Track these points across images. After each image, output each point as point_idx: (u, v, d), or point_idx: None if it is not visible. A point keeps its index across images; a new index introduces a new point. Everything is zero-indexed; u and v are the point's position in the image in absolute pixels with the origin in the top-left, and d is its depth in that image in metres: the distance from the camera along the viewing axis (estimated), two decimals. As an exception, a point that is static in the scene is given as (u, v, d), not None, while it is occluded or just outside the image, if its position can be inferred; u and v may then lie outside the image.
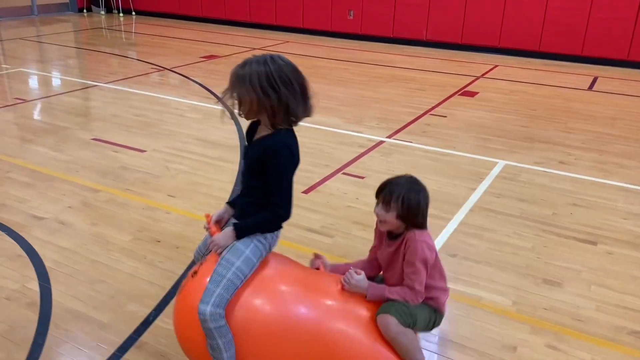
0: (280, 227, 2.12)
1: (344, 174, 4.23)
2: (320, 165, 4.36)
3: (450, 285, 2.30)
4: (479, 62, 8.65)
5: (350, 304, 2.08)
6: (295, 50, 9.10)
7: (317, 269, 2.31)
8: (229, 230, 2.05)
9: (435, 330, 2.37)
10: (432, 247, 2.13)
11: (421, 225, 2.13)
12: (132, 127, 5.17)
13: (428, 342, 2.47)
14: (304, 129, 5.01)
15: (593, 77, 7.76)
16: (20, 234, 3.26)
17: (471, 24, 9.18)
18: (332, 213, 3.63)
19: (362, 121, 5.54)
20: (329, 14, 10.34)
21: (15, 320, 2.52)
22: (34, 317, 2.54)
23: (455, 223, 3.53)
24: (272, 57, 1.94)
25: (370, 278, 2.19)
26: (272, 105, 1.91)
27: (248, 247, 2.01)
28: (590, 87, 7.26)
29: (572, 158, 4.70)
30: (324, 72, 7.75)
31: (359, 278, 2.09)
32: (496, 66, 8.33)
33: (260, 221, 2.06)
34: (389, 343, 2.01)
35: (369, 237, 3.28)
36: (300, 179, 4.09)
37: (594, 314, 2.66)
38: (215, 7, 11.49)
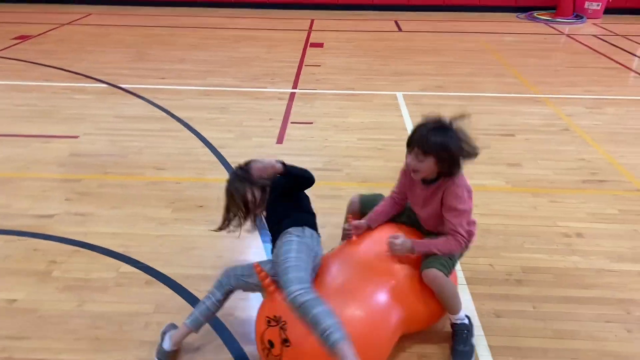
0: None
1: (293, 122, 4.66)
2: (265, 120, 4.70)
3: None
4: (294, 17, 9.40)
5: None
6: (107, 21, 8.64)
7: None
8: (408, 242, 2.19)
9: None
10: (471, 191, 2.19)
11: (458, 171, 2.12)
12: (32, 117, 4.67)
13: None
14: (216, 93, 5.26)
15: (394, 21, 9.21)
16: (47, 233, 3.02)
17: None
18: (319, 153, 4.09)
19: (257, 78, 5.88)
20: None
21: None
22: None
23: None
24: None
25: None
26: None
27: (293, 243, 2.11)
28: (399, 29, 8.66)
29: (440, 82, 5.85)
30: (169, 39, 7.62)
31: (401, 241, 2.19)
32: (313, 20, 9.20)
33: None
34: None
35: (370, 164, 3.95)
36: (261, 132, 4.44)
37: (554, 176, 3.78)
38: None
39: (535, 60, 6.83)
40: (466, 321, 2.25)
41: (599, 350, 2.26)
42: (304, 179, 2.31)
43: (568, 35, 8.36)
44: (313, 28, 8.57)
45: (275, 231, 2.24)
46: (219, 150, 4.08)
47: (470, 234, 2.23)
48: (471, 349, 2.20)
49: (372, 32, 8.35)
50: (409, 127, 4.51)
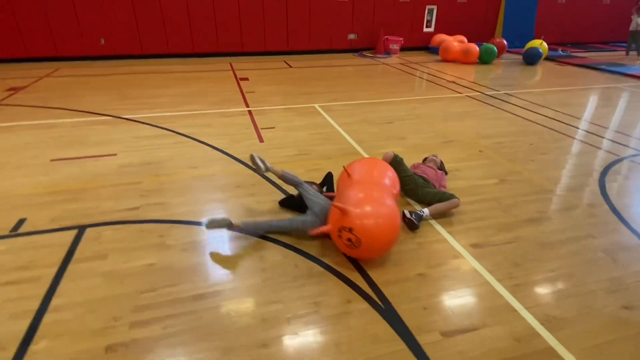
0: None
1: (262, 128, 4.70)
2: (243, 129, 4.68)
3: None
4: (215, 62, 9.04)
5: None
6: (77, 72, 7.59)
7: None
8: None
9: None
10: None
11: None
12: (70, 145, 4.12)
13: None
14: (197, 116, 5.07)
15: (283, 61, 9.32)
16: (142, 219, 2.84)
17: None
18: (291, 145, 4.20)
19: (217, 103, 5.71)
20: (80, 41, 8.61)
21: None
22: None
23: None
24: None
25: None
26: None
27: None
28: (290, 66, 8.82)
29: (334, 96, 6.19)
30: (136, 82, 6.92)
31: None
32: (231, 63, 8.94)
33: None
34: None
35: (325, 147, 4.38)
36: (246, 137, 4.44)
37: (422, 141, 4.36)
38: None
39: (375, 79, 7.51)
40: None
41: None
42: (327, 179, 3.02)
43: (384, 64, 9.25)
44: (235, 68, 8.39)
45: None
46: (225, 150, 4.04)
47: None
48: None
49: (275, 69, 8.42)
50: (334, 125, 4.84)
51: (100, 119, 4.94)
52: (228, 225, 2.50)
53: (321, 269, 2.37)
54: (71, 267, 2.36)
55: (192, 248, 2.54)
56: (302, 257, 2.45)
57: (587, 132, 4.82)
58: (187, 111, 5.31)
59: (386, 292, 2.20)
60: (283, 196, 3.13)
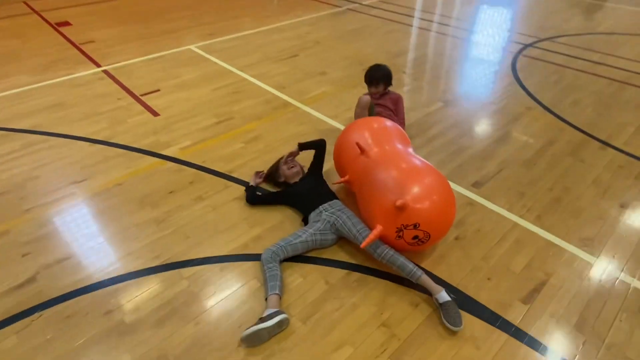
0: None
1: (143, 95, 3.45)
2: (114, 102, 3.35)
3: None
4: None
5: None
6: None
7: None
8: None
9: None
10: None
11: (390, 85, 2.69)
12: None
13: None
14: (44, 91, 4.11)
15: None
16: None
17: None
18: (203, 111, 3.22)
19: (49, 68, 3.95)
20: None
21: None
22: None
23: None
24: None
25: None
26: None
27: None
28: None
29: (209, 30, 4.98)
30: None
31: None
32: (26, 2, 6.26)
33: None
34: None
35: (249, 104, 3.54)
36: (131, 110, 3.27)
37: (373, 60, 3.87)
38: None
39: (242, 1, 6.34)
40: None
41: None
42: (315, 144, 2.29)
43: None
44: (38, 9, 5.88)
45: (318, 194, 2.09)
46: (112, 141, 2.83)
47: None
48: None
49: (100, 2, 6.25)
50: (235, 70, 3.87)
51: None
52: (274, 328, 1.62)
53: (357, 275, 1.87)
54: None
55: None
56: (326, 268, 1.88)
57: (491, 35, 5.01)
58: (4, 91, 3.53)
59: (441, 274, 1.87)
60: (239, 187, 2.36)
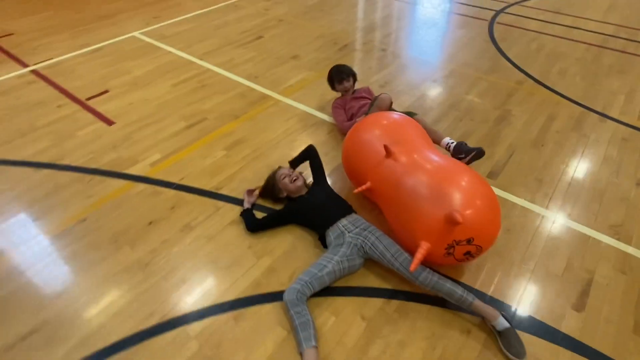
0: None
1: (89, 99, 2.88)
2: (54, 111, 2.78)
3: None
4: None
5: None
6: None
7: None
8: None
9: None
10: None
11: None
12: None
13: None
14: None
15: None
16: None
17: None
18: (167, 112, 2.74)
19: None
20: None
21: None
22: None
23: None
24: None
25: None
26: None
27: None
28: None
29: (151, 12, 4.34)
30: None
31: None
32: None
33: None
34: None
35: (220, 100, 3.11)
36: (79, 121, 2.74)
37: (345, 39, 3.51)
38: None
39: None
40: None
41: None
42: (305, 154, 2.07)
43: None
44: None
45: (332, 207, 1.82)
46: (61, 163, 2.31)
47: None
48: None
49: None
50: (195, 60, 3.37)
51: None
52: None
53: (396, 303, 1.62)
54: None
55: None
56: (359, 299, 1.62)
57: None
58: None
59: (482, 287, 1.68)
60: (232, 207, 2.01)
